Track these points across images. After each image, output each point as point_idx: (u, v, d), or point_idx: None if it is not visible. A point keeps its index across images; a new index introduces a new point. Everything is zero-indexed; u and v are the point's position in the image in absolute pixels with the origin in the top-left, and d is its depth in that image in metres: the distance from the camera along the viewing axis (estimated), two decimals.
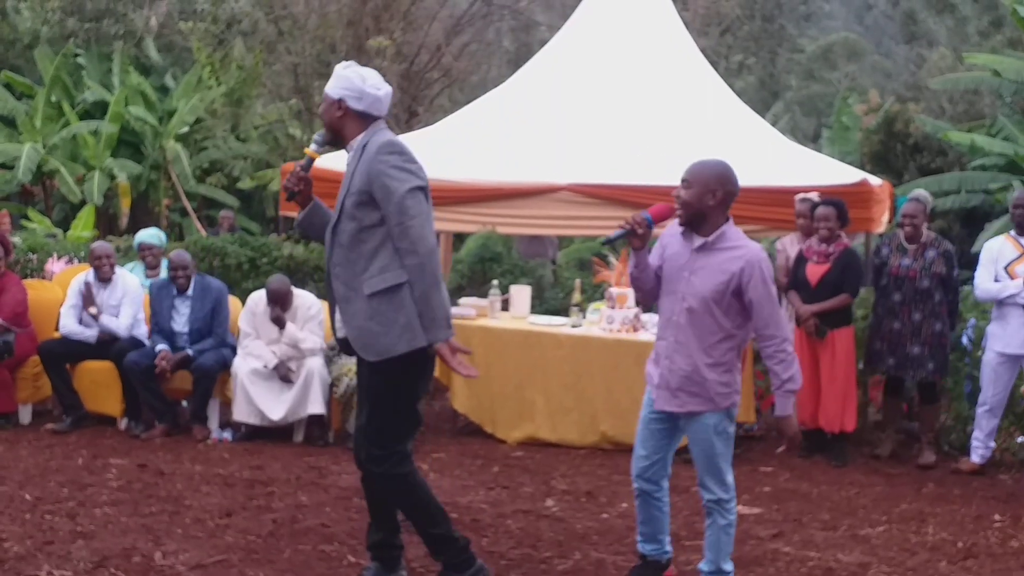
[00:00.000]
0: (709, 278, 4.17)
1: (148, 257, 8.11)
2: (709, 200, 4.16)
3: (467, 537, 4.36)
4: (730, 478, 4.29)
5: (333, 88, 4.16)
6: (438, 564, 4.30)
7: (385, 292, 3.99)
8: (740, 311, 4.18)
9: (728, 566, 4.35)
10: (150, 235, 8.28)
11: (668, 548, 4.57)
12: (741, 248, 4.18)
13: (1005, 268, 6.61)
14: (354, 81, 4.12)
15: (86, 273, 7.51)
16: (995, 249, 6.73)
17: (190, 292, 7.39)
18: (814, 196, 7.25)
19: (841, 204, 6.96)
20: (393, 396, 4.11)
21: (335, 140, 4.24)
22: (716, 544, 4.32)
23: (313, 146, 4.26)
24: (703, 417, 4.25)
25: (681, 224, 4.24)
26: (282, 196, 9.45)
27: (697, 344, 4.20)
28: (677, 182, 8.38)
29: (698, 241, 4.22)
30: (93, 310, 7.31)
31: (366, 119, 4.14)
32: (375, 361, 4.04)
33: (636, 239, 4.22)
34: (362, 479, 4.32)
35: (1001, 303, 6.61)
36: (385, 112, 4.19)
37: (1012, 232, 6.76)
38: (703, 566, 4.39)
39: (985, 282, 6.66)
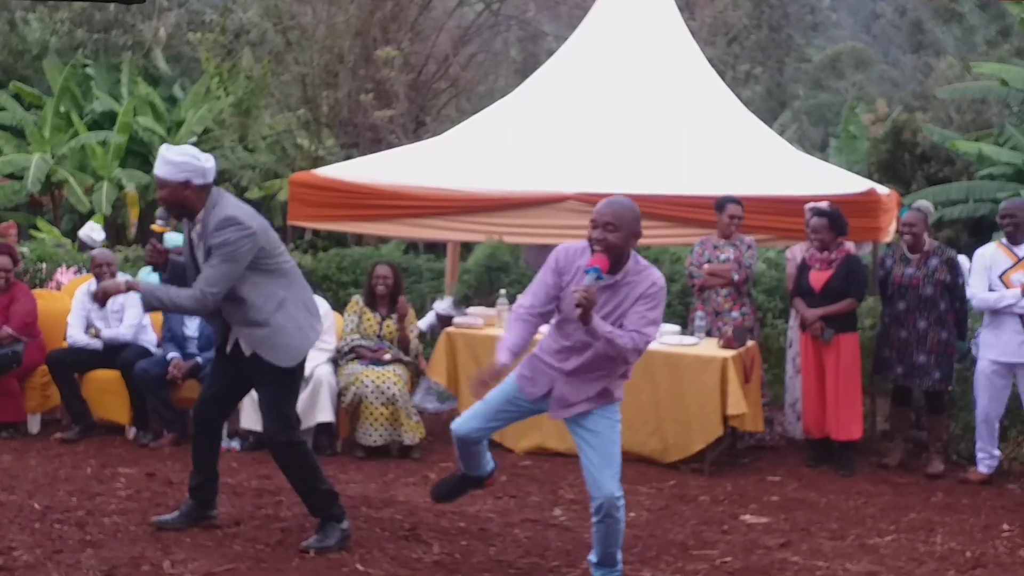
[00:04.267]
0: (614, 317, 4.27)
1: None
2: (632, 242, 4.25)
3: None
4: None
5: (174, 173, 4.64)
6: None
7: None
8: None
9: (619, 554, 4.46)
10: (171, 239, 8.34)
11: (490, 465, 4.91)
12: (642, 272, 4.29)
13: (1000, 277, 6.57)
14: (192, 163, 4.65)
15: (89, 283, 7.52)
16: (988, 257, 6.67)
17: None
18: (824, 205, 7.25)
19: (834, 214, 6.91)
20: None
21: (182, 215, 4.80)
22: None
23: (160, 222, 4.90)
24: (602, 410, 4.41)
25: (608, 270, 4.21)
26: (290, 206, 9.47)
27: (601, 373, 4.41)
28: (684, 192, 8.38)
29: (608, 280, 4.23)
30: (93, 331, 7.38)
31: (206, 190, 4.70)
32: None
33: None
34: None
35: (996, 311, 6.59)
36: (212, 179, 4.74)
37: (1003, 240, 6.72)
38: (592, 557, 4.48)
39: (981, 292, 6.61)
